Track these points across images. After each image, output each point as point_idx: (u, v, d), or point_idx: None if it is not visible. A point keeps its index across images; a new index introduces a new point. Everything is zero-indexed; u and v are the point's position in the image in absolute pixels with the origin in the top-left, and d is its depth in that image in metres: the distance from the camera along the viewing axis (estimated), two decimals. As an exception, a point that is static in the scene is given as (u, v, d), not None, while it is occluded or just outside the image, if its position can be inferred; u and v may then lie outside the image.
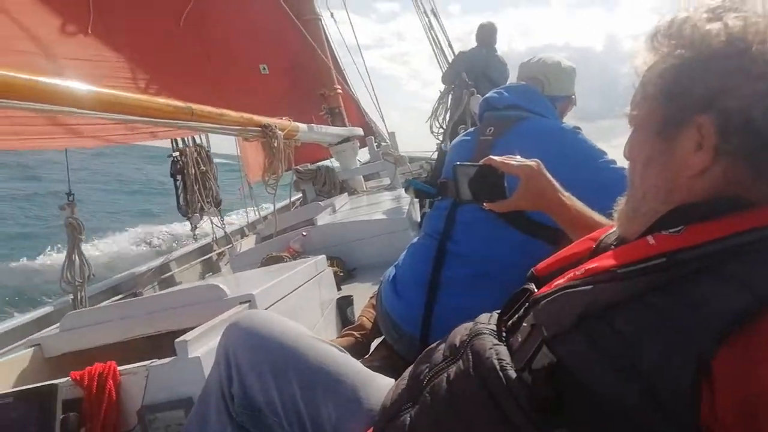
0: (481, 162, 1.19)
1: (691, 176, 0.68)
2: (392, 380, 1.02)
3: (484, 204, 1.24)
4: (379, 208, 4.21)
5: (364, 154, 6.42)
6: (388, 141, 6.32)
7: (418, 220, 4.26)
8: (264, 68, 5.00)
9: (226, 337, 1.09)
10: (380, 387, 0.98)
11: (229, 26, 4.73)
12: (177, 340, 1.25)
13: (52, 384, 1.24)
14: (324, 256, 2.59)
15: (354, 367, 1.03)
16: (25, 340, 2.97)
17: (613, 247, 0.78)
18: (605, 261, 0.69)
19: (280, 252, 3.49)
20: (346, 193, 5.29)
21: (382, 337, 1.87)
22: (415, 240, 1.82)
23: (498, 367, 0.72)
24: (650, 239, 0.67)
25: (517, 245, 1.58)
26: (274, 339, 1.04)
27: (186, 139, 5.04)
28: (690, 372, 0.55)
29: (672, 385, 0.56)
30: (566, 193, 1.23)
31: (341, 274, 3.25)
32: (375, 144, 6.22)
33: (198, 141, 5.25)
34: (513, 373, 0.70)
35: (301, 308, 2.05)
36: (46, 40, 3.19)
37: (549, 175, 1.22)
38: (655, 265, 0.63)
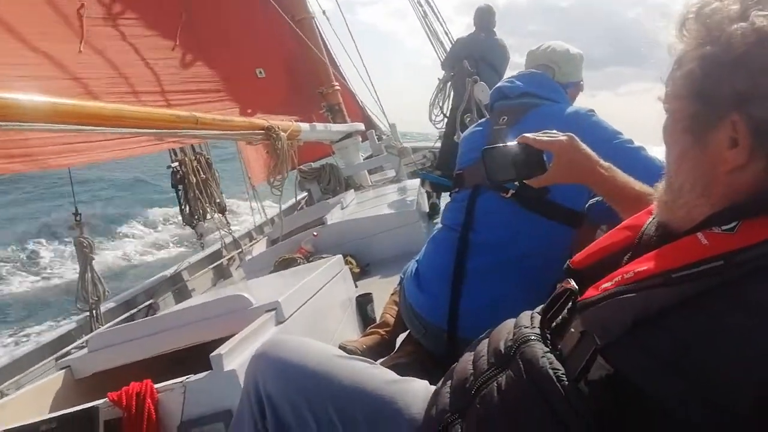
0: (516, 140, 1.20)
1: (728, 171, 0.66)
2: (425, 382, 1.02)
3: (525, 181, 1.25)
4: (387, 202, 4.21)
5: (365, 148, 6.40)
6: (389, 133, 6.30)
7: (427, 210, 4.26)
8: (260, 72, 4.97)
9: (254, 368, 1.05)
10: (417, 393, 0.97)
11: (221, 34, 4.70)
12: (212, 354, 1.25)
13: (93, 407, 1.24)
14: (340, 255, 2.58)
15: (386, 378, 1.01)
16: (50, 359, 3.01)
17: (655, 239, 0.76)
18: (656, 263, 0.66)
19: (292, 254, 3.48)
20: (352, 190, 5.28)
21: (407, 332, 1.87)
22: (435, 233, 1.82)
23: (554, 378, 0.70)
24: (702, 238, 0.64)
25: (539, 231, 1.58)
26: (304, 366, 1.01)
27: (185, 148, 5.02)
28: (753, 382, 0.54)
29: (735, 394, 0.55)
30: (605, 164, 1.21)
31: (356, 271, 3.24)
32: (376, 137, 6.20)
33: (198, 149, 5.25)
34: (569, 384, 0.68)
35: (324, 310, 2.05)
36: (42, 60, 3.17)
37: (584, 147, 1.21)
38: (711, 268, 0.60)
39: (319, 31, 5.91)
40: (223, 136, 3.30)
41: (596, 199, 1.57)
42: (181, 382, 1.26)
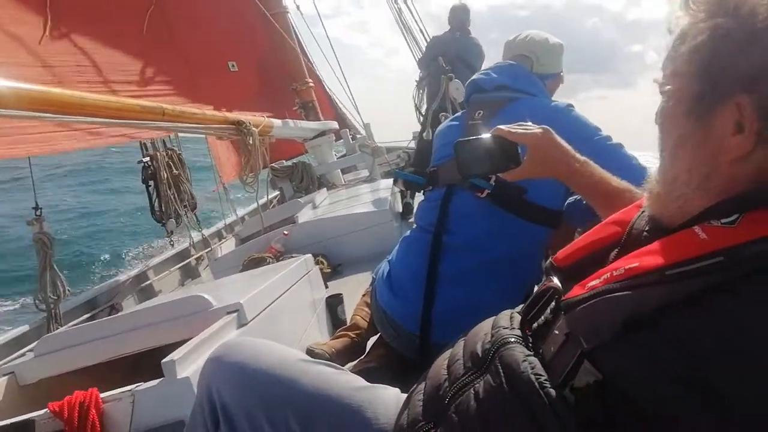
0: (490, 133, 1.15)
1: (730, 161, 0.61)
2: (397, 390, 0.94)
3: (499, 174, 1.21)
4: (360, 201, 4.14)
5: (339, 147, 6.32)
6: (363, 132, 6.22)
7: (400, 210, 4.20)
8: (233, 65, 4.84)
9: (208, 373, 0.97)
10: (387, 402, 0.90)
11: (193, 25, 4.57)
12: (164, 360, 1.15)
13: (28, 419, 1.14)
14: (310, 255, 2.50)
15: (354, 385, 0.94)
16: None
17: (645, 234, 0.71)
18: (649, 259, 0.61)
19: (261, 253, 3.39)
20: (324, 189, 5.19)
21: (378, 335, 1.81)
22: (408, 233, 1.75)
23: (537, 384, 0.64)
24: (700, 232, 0.59)
25: (515, 231, 1.53)
26: (262, 371, 0.93)
27: (155, 142, 4.88)
28: (755, 381, 0.50)
29: (738, 396, 0.50)
30: (581, 159, 1.17)
31: (327, 271, 3.17)
32: (350, 136, 6.12)
33: (169, 144, 5.11)
34: (553, 391, 0.62)
35: (292, 312, 1.96)
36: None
37: (560, 141, 1.17)
38: (711, 264, 0.56)
39: (293, 27, 5.82)
40: (191, 130, 3.18)
41: (574, 197, 1.52)
42: (130, 390, 1.16)
